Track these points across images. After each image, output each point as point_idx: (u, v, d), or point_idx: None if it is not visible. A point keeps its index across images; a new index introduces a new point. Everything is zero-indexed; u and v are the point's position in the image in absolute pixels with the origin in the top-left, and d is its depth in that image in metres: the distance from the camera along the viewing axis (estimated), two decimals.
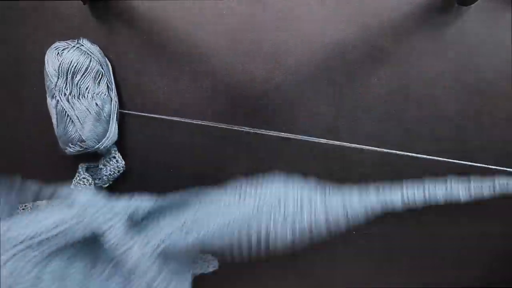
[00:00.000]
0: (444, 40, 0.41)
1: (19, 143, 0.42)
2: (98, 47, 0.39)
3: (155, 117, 0.41)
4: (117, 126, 0.40)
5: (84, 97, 0.37)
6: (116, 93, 0.40)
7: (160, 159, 0.42)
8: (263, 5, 0.42)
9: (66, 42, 0.38)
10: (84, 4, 0.41)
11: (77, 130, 0.36)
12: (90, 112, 0.37)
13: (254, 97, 0.42)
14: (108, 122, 0.38)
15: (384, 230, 0.41)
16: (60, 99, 0.36)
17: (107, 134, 0.38)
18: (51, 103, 0.37)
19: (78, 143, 0.37)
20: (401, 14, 0.42)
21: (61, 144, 0.38)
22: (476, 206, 0.41)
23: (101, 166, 0.40)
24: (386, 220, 0.41)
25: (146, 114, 0.41)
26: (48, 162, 0.42)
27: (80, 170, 0.40)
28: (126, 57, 0.42)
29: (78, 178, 0.40)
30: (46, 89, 0.38)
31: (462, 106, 0.41)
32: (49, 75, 0.37)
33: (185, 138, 0.42)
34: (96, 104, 0.37)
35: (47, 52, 0.37)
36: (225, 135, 0.42)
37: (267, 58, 0.42)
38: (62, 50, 0.37)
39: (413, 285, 0.42)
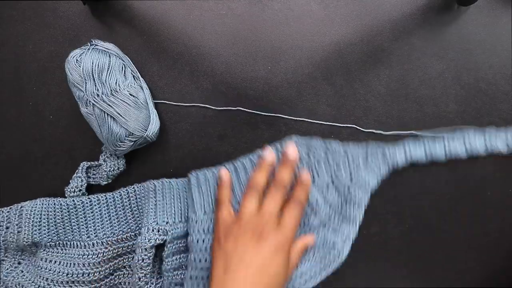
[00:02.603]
0: (444, 40, 0.41)
1: (19, 143, 0.42)
2: (112, 44, 0.39)
3: None
4: (156, 112, 0.40)
5: (117, 91, 0.37)
6: (143, 80, 0.40)
7: (160, 159, 0.42)
8: (263, 5, 0.42)
9: (80, 48, 0.37)
10: (84, 4, 0.41)
11: (121, 126, 0.36)
12: (128, 104, 0.37)
13: (254, 97, 0.42)
14: (147, 108, 0.38)
15: (384, 230, 0.41)
16: (96, 101, 0.36)
17: (151, 120, 0.38)
18: (87, 110, 0.37)
19: (126, 138, 0.37)
20: (401, 14, 0.42)
21: (110, 147, 0.38)
22: (477, 205, 0.41)
23: (101, 162, 0.40)
24: (386, 220, 0.41)
25: None
26: (49, 162, 0.42)
27: (79, 168, 0.40)
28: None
29: (75, 175, 0.41)
30: (77, 100, 0.37)
31: (462, 106, 0.41)
32: (76, 84, 0.36)
33: (185, 138, 0.42)
34: (131, 94, 0.37)
35: (65, 64, 0.37)
36: (225, 135, 0.42)
37: (267, 58, 0.42)
38: (80, 55, 0.37)
39: (413, 285, 0.42)
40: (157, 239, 0.36)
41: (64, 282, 0.37)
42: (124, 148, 0.37)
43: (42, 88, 0.42)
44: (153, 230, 0.36)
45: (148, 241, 0.35)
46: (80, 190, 0.40)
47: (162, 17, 0.42)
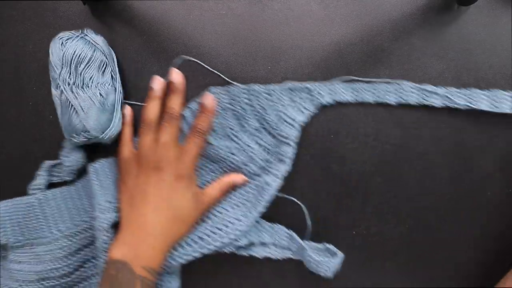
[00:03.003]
0: (444, 40, 0.41)
1: (19, 143, 0.42)
2: (102, 38, 0.39)
3: None
4: (121, 117, 0.40)
5: (88, 86, 0.37)
6: (120, 83, 0.40)
7: None
8: (263, 5, 0.42)
9: (71, 32, 0.38)
10: (84, 4, 0.41)
11: (81, 120, 0.36)
12: (94, 102, 0.37)
13: None
14: (112, 112, 0.38)
15: (384, 230, 0.41)
16: (64, 89, 0.36)
17: (111, 124, 0.38)
18: (55, 93, 0.37)
19: (82, 133, 0.37)
20: (401, 14, 0.42)
21: (65, 135, 0.38)
22: (477, 205, 0.41)
23: (63, 158, 0.40)
24: (385, 220, 0.41)
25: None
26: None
27: (41, 166, 0.41)
28: (126, 57, 0.42)
29: (37, 174, 0.41)
30: (51, 79, 0.38)
31: None
32: (53, 65, 0.37)
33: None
34: (100, 94, 0.37)
35: (51, 42, 0.38)
36: None
37: (267, 58, 0.42)
38: (66, 40, 0.37)
39: (413, 285, 0.42)
40: (113, 218, 0.36)
41: (34, 281, 0.37)
42: (77, 142, 0.38)
43: (42, 88, 0.42)
44: (107, 210, 0.36)
45: (105, 221, 0.35)
46: (39, 189, 0.40)
47: (162, 17, 0.42)
